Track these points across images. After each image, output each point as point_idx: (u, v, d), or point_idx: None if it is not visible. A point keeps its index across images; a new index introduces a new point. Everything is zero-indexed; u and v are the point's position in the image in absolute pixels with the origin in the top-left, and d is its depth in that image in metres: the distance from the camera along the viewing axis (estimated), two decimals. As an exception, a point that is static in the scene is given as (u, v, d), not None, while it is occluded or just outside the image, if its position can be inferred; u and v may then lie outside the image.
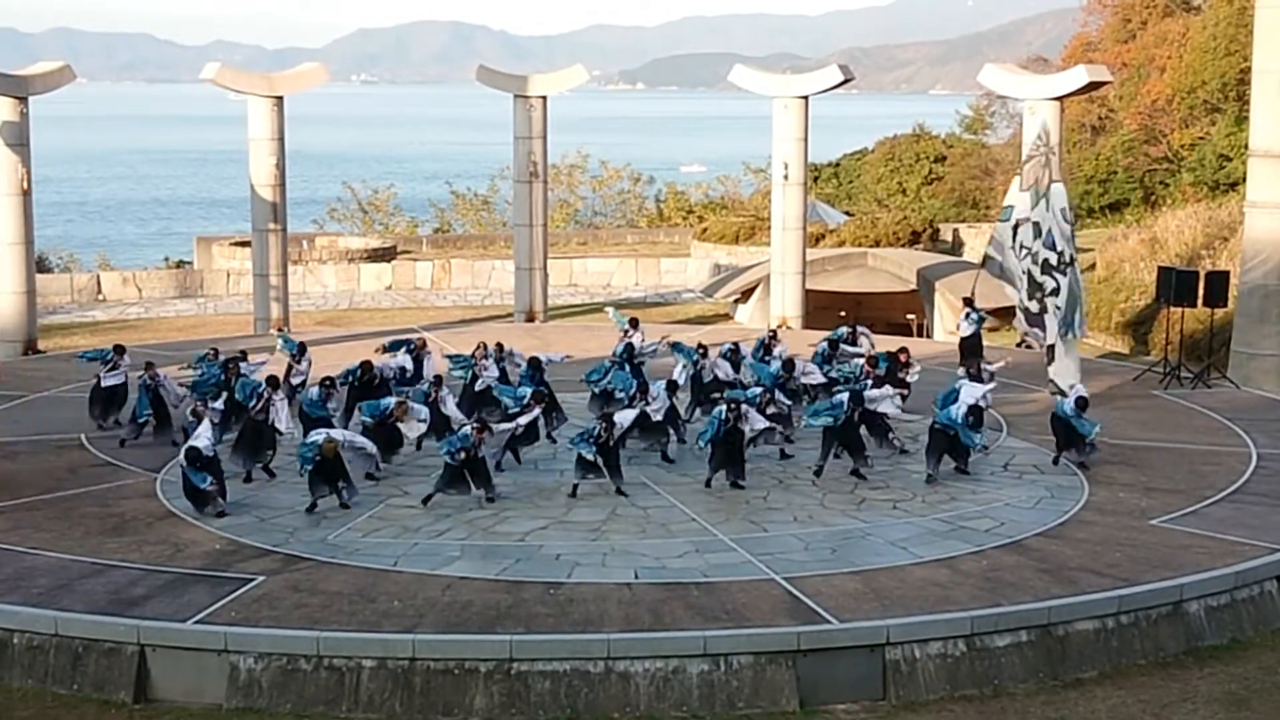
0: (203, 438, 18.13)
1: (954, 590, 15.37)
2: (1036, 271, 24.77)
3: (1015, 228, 25.23)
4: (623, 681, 13.87)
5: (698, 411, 22.33)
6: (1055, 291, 24.64)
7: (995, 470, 20.30)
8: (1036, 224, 24.81)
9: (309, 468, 18.05)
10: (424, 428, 19.96)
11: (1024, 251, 25.10)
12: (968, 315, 26.80)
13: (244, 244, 41.05)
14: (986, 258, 26.63)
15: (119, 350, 23.01)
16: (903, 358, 23.13)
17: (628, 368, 22.77)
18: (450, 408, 20.59)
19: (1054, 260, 24.62)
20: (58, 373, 27.14)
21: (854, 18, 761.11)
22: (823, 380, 22.56)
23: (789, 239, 33.70)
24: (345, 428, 20.35)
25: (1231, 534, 17.32)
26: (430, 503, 18.34)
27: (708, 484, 19.36)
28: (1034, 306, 24.95)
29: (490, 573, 15.88)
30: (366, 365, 21.98)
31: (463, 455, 18.22)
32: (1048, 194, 24.77)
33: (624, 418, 19.33)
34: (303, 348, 23.63)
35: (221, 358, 22.60)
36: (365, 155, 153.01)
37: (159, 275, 42.70)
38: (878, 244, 44.78)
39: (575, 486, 18.86)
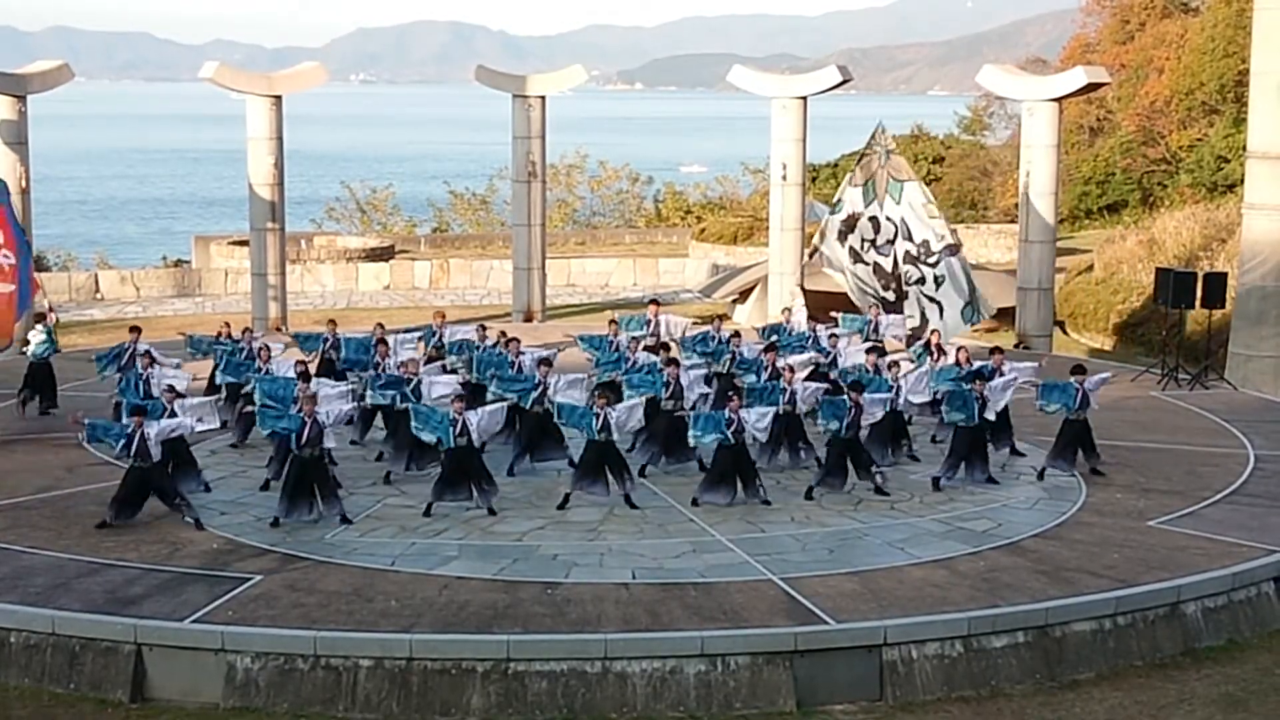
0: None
1: (951, 591, 15.38)
2: (887, 263, 25.91)
3: (852, 221, 26.57)
4: (620, 682, 13.87)
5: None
6: (921, 280, 25.79)
7: (993, 471, 20.26)
8: (874, 218, 26.17)
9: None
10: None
11: (866, 244, 26.36)
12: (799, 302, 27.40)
13: (242, 243, 41.09)
14: (815, 249, 27.76)
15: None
16: (934, 339, 23.34)
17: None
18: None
19: (915, 251, 25.92)
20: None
21: (853, 18, 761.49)
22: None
23: (787, 239, 33.68)
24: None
25: (1229, 535, 17.34)
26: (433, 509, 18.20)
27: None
28: (890, 296, 26.05)
29: (487, 572, 15.88)
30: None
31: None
32: (900, 192, 26.01)
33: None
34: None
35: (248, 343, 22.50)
36: (364, 155, 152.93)
37: (157, 274, 42.72)
38: (876, 245, 44.77)
39: (566, 496, 18.53)
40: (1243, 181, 29.46)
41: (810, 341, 23.83)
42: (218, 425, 19.76)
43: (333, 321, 24.18)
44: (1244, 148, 31.29)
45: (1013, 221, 43.87)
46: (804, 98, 33.31)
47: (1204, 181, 52.83)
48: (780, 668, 14.05)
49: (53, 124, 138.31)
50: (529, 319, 34.02)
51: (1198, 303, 26.80)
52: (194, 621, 14.37)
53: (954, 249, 26.08)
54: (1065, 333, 36.12)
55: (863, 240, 26.55)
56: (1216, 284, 26.90)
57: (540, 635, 14.15)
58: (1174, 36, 57.40)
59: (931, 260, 25.86)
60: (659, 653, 14.00)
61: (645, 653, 14.00)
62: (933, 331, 24.05)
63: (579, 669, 13.89)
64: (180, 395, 19.05)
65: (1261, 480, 20.02)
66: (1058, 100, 30.58)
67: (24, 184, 30.10)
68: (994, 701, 14.14)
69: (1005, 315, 34.89)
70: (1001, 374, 20.53)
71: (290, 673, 13.96)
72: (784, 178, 33.48)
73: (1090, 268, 39.07)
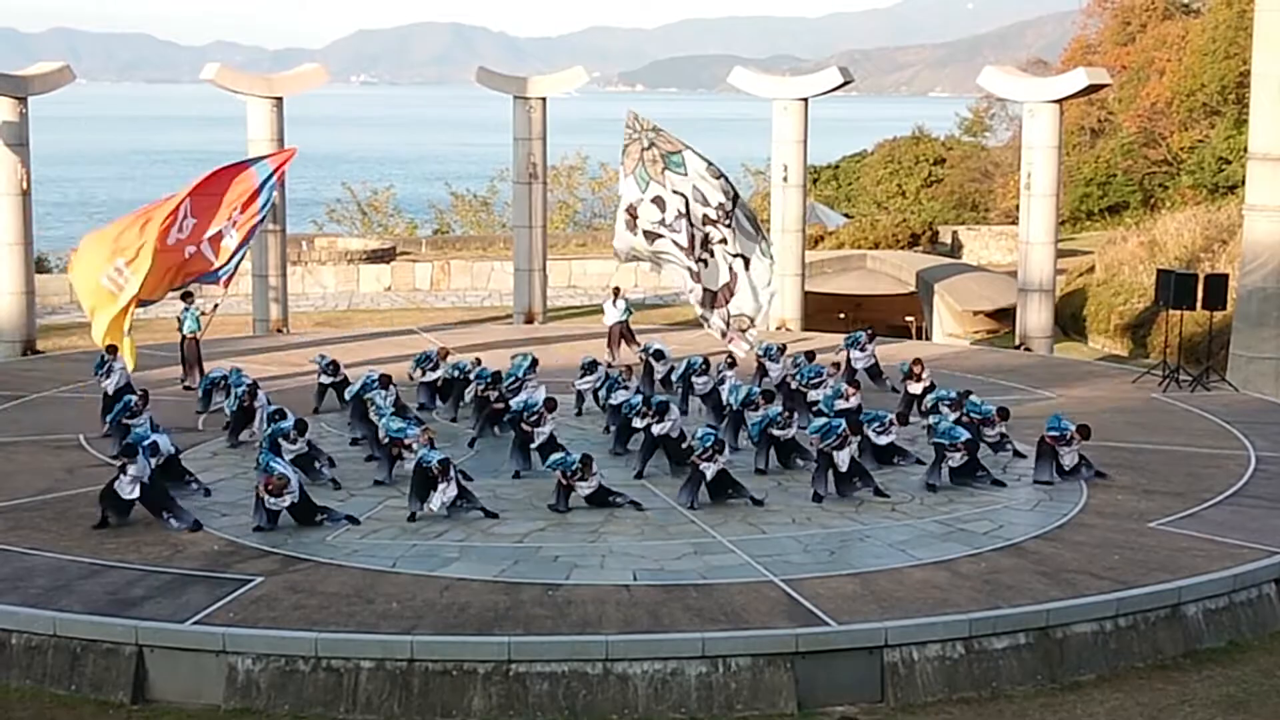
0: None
1: (952, 592, 15.37)
2: (682, 239, 25.77)
3: (633, 210, 26.29)
4: (621, 683, 13.87)
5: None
6: (724, 241, 25.81)
7: (994, 473, 20.24)
8: (658, 198, 25.93)
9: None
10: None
11: (656, 224, 26.09)
12: (614, 302, 28.15)
13: (243, 245, 41.03)
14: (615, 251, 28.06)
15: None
16: (916, 370, 23.24)
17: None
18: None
19: (713, 214, 25.78)
20: (56, 373, 27.14)
21: (854, 20, 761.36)
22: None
23: (788, 241, 33.70)
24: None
25: (1230, 537, 17.32)
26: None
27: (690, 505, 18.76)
28: (694, 265, 25.83)
29: (488, 574, 15.87)
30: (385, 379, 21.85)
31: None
32: (681, 163, 25.92)
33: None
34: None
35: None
36: (365, 156, 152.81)
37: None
38: (877, 246, 44.90)
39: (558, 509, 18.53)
40: (1244, 183, 29.45)
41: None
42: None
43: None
44: (1245, 149, 31.31)
45: (1014, 223, 43.88)
46: (805, 99, 33.34)
47: (1205, 183, 52.85)
48: (781, 669, 14.05)
49: (54, 125, 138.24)
50: (530, 320, 34.04)
51: (1199, 304, 26.77)
52: (195, 623, 14.36)
53: (736, 198, 26.32)
54: (1066, 334, 36.14)
55: (651, 223, 26.35)
56: (1217, 286, 26.87)
57: (541, 637, 14.14)
58: (1175, 38, 57.42)
59: (727, 221, 25.96)
60: (660, 654, 14.00)
61: (646, 654, 13.99)
62: (915, 362, 23.75)
63: (580, 670, 13.88)
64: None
65: (1263, 482, 20.00)
66: (1059, 102, 30.59)
67: (25, 185, 30.11)
68: (995, 703, 14.14)
69: (1006, 316, 34.95)
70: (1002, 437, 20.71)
71: (291, 674, 13.96)
72: (785, 179, 33.51)
73: (1091, 269, 39.07)
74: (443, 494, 17.76)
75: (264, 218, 25.60)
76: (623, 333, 28.19)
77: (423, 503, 17.91)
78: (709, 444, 18.53)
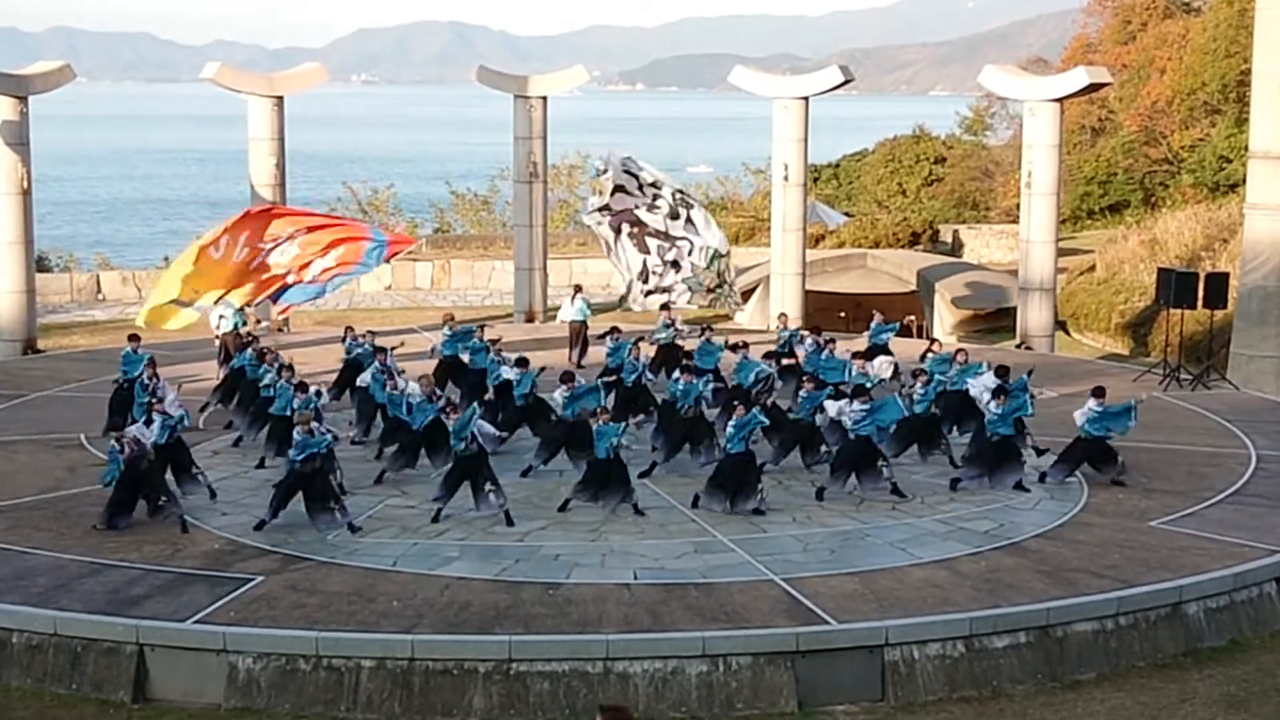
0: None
1: (953, 591, 15.37)
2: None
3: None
4: (621, 682, 13.87)
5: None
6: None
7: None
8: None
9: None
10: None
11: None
12: (572, 300, 28.36)
13: (244, 244, 41.01)
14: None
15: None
16: (936, 348, 23.39)
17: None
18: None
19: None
20: (57, 372, 27.16)
21: (855, 19, 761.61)
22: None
23: (789, 240, 33.70)
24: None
25: (1230, 535, 17.33)
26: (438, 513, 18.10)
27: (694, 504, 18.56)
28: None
29: (489, 573, 15.88)
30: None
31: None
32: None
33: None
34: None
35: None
36: (365, 155, 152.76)
37: (159, 275, 42.62)
38: (877, 245, 44.87)
39: (567, 501, 18.31)
40: (1245, 182, 29.45)
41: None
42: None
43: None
44: (1246, 148, 31.29)
45: (1014, 222, 43.85)
46: (805, 98, 33.32)
47: (1206, 182, 52.81)
48: (782, 668, 14.05)
49: (55, 125, 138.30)
50: (530, 319, 34.04)
51: (1199, 303, 26.77)
52: (196, 622, 14.37)
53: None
54: (1067, 333, 36.12)
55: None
56: (1218, 284, 26.88)
57: (542, 636, 14.15)
58: (1176, 36, 57.37)
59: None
60: (660, 653, 14.00)
61: (647, 653, 14.00)
62: (933, 341, 23.99)
63: (580, 669, 13.89)
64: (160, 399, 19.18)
65: (1263, 480, 20.00)
66: (1059, 100, 30.59)
67: (25, 184, 30.13)
68: (996, 702, 14.14)
69: (1006, 315, 34.93)
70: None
71: (292, 673, 13.96)
72: (786, 178, 33.49)
73: (1092, 268, 39.06)
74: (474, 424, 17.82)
75: (352, 277, 26.58)
76: (581, 334, 27.72)
77: (452, 494, 17.75)
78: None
